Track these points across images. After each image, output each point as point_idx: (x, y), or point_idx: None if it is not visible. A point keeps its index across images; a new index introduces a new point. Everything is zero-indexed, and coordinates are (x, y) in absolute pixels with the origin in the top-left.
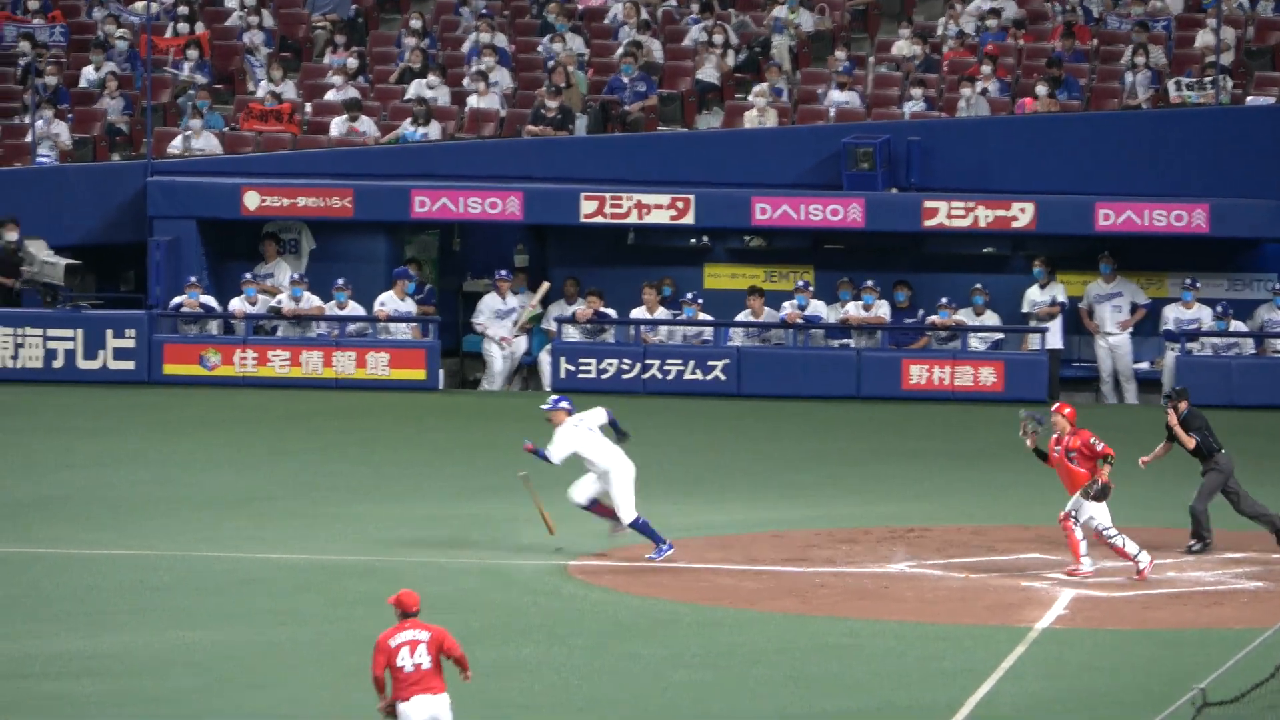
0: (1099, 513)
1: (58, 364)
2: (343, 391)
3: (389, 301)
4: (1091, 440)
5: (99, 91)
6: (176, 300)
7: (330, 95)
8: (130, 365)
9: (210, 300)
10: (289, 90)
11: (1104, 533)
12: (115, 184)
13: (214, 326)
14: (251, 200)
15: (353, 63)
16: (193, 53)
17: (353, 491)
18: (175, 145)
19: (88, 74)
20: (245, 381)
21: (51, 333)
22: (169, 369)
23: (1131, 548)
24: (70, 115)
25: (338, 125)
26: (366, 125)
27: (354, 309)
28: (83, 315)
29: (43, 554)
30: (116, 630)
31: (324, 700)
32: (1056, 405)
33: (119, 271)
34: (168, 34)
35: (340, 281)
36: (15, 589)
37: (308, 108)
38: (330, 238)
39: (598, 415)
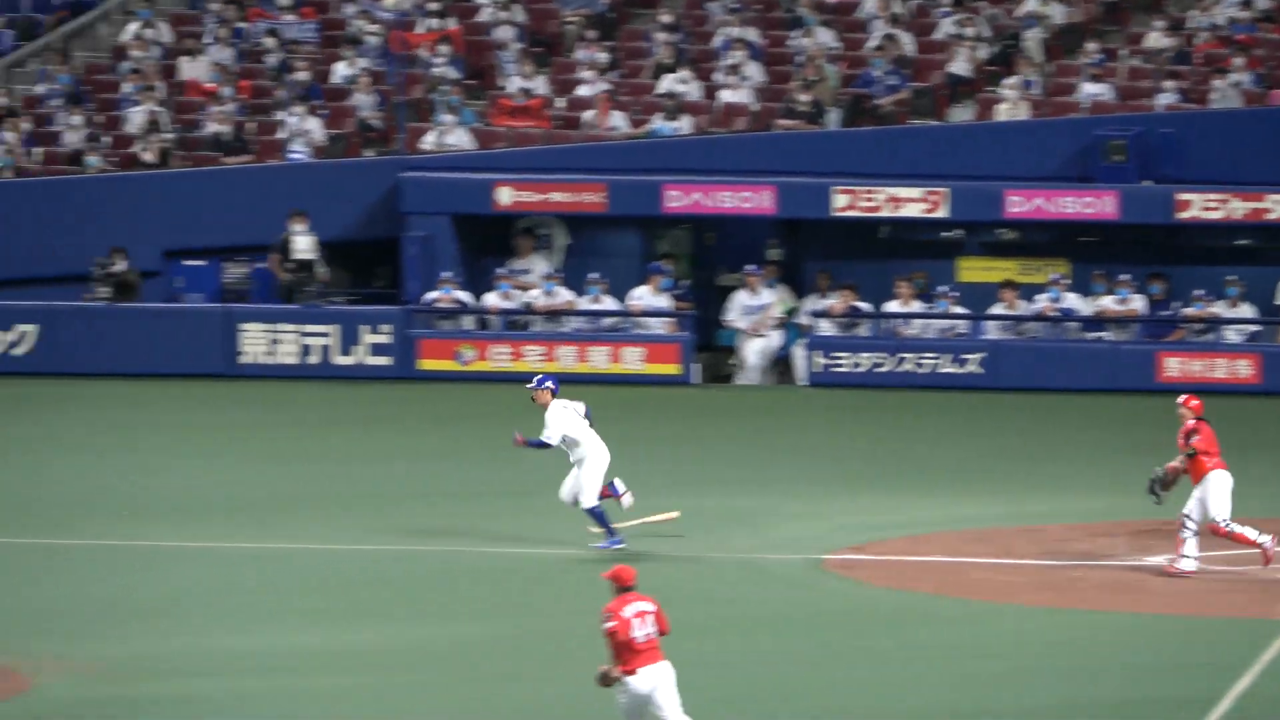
0: (1192, 503)
1: (313, 359)
2: (597, 386)
3: (643, 296)
4: (1191, 433)
5: (351, 87)
6: (430, 295)
7: (581, 90)
8: (385, 361)
9: (464, 295)
10: (540, 85)
11: (1185, 519)
12: (368, 180)
13: (468, 322)
14: (504, 196)
15: (604, 57)
16: (444, 48)
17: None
18: (428, 141)
19: (340, 70)
20: (499, 376)
21: (308, 328)
22: (424, 364)
23: (1188, 547)
24: (325, 111)
25: (589, 120)
26: (618, 120)
27: (608, 304)
28: (339, 311)
29: (299, 549)
30: (373, 624)
31: (579, 694)
32: (1184, 398)
33: (373, 267)
34: (419, 29)
35: (594, 276)
36: (277, 583)
37: (559, 103)
38: (583, 232)
39: (578, 405)
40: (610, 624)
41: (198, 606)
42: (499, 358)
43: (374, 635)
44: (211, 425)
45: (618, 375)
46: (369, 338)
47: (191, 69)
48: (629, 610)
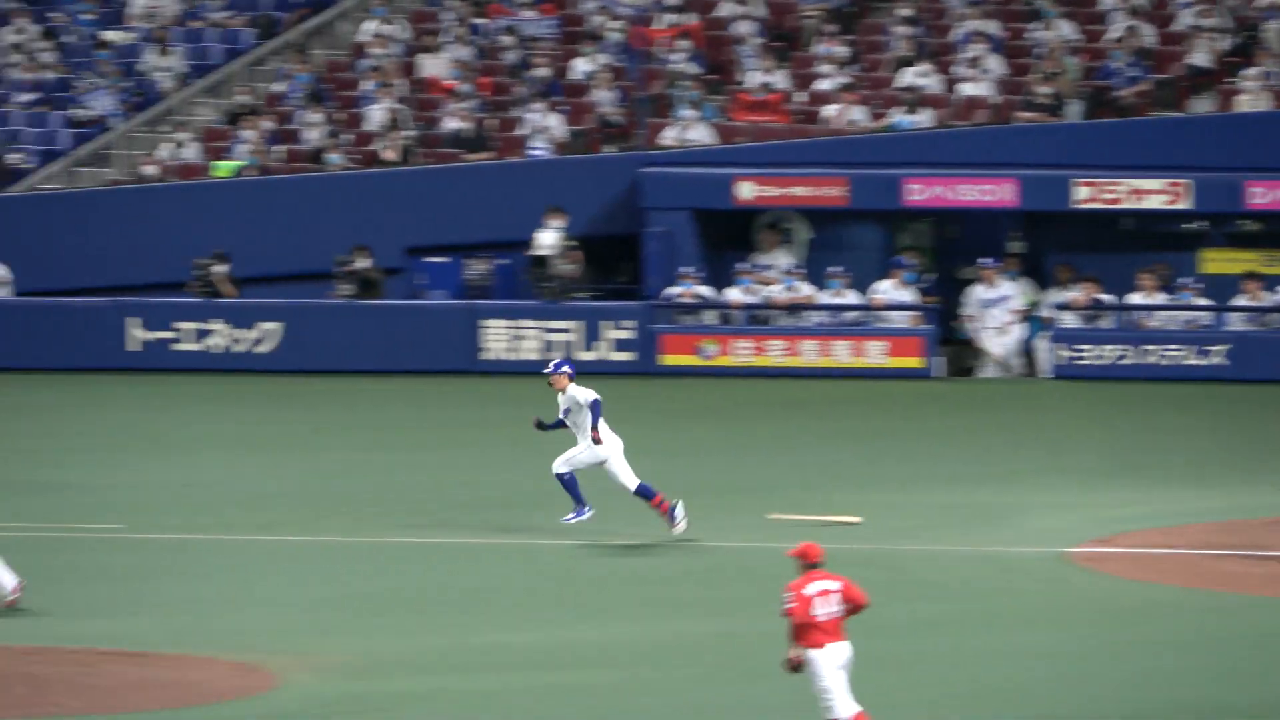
0: None
1: (556, 355)
2: (839, 380)
3: (886, 290)
4: None
5: (590, 83)
6: (672, 291)
7: (821, 84)
8: (628, 356)
9: (705, 290)
10: (780, 80)
11: None
12: (609, 176)
13: (710, 317)
14: (745, 190)
15: (843, 51)
16: (684, 43)
17: (851, 480)
18: (668, 136)
19: (579, 66)
20: (742, 371)
21: (550, 324)
22: (666, 359)
23: None
24: (565, 107)
25: (830, 114)
26: (858, 114)
27: (850, 298)
28: (581, 307)
29: (547, 544)
30: (620, 619)
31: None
32: None
33: (615, 263)
34: (659, 25)
35: (836, 270)
36: (528, 579)
37: (799, 97)
38: (825, 226)
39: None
40: (790, 604)
41: (451, 602)
42: (741, 352)
43: (624, 630)
44: (455, 422)
45: (860, 369)
46: (611, 333)
47: (431, 66)
48: (811, 588)
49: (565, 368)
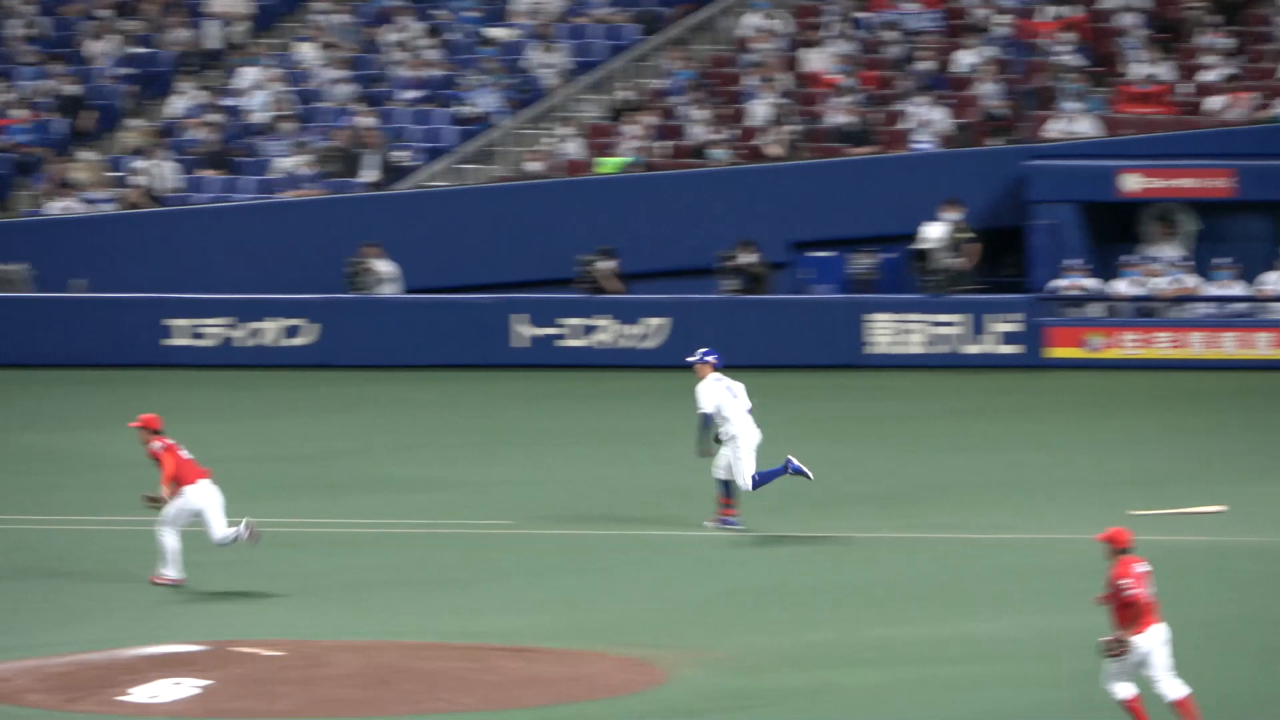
0: None
1: (941, 348)
2: (1226, 372)
3: (1274, 281)
4: None
5: (974, 76)
6: (1057, 283)
7: (1206, 75)
8: (1014, 349)
9: (1091, 282)
10: (1164, 71)
11: None
12: (993, 169)
13: (1097, 309)
14: (1129, 182)
15: (1228, 42)
16: (1068, 36)
17: (1244, 472)
18: (1052, 129)
19: (964, 59)
20: (1129, 363)
21: (936, 318)
22: (1052, 352)
23: None
24: (950, 100)
25: (1214, 105)
26: (1244, 105)
27: (1237, 289)
28: (967, 300)
29: (940, 539)
30: (1003, 613)
31: (1226, 680)
32: None
33: (999, 256)
34: (1043, 17)
35: (1222, 261)
36: (919, 573)
37: (1184, 88)
38: (1212, 217)
39: (736, 385)
40: (1134, 590)
41: (843, 597)
42: (1128, 345)
43: (1007, 624)
44: (839, 415)
45: (1247, 361)
46: (997, 326)
47: (814, 60)
48: (1138, 569)
49: (710, 358)
